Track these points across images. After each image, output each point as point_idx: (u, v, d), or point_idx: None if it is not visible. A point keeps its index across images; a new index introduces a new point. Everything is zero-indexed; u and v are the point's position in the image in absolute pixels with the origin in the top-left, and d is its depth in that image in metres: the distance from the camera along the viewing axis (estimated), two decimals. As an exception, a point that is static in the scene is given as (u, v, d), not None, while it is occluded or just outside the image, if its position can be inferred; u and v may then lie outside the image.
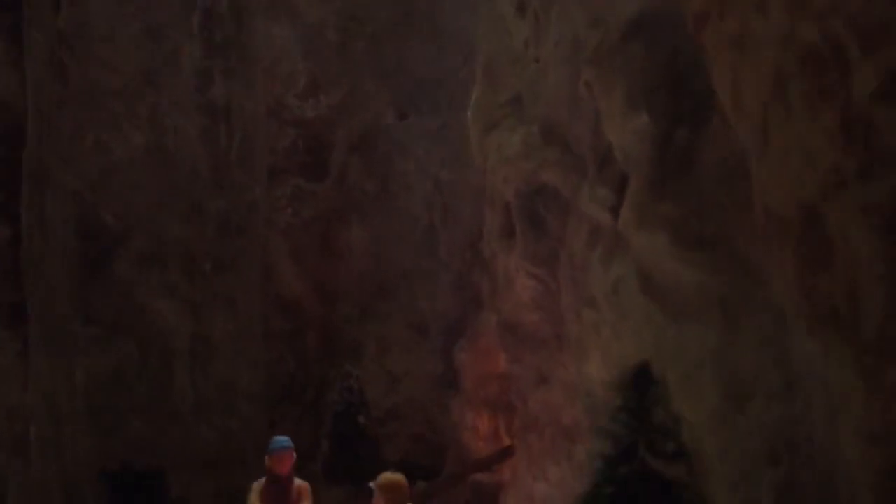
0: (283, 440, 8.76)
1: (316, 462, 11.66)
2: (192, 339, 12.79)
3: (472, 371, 11.83)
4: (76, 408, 11.53)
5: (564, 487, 9.01)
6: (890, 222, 4.54)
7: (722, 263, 6.62)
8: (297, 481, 8.68)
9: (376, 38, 13.60)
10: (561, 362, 9.60)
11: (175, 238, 12.77)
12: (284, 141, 13.65)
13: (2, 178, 10.10)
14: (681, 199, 6.94)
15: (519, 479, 10.35)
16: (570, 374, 9.33)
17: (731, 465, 6.02)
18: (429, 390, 13.23)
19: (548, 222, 9.62)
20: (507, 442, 11.59)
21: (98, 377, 12.04)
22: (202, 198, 12.84)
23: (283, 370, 13.67)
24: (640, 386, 5.22)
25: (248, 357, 13.15)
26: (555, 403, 9.63)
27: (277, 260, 13.73)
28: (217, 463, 12.56)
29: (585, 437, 8.53)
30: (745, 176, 6.26)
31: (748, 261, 6.41)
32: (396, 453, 11.83)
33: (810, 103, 4.89)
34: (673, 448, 5.16)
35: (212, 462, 12.56)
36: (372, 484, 7.59)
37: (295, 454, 8.74)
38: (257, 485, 8.61)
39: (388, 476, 7.71)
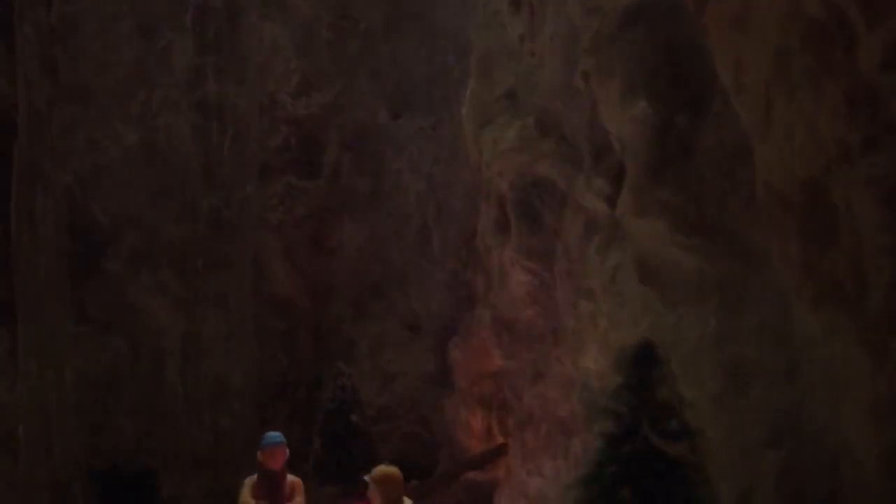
0: (275, 435, 8.70)
1: (308, 461, 11.55)
2: (183, 337, 12.68)
3: (465, 369, 11.79)
4: (66, 406, 11.43)
5: (560, 481, 8.97)
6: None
7: (721, 248, 6.62)
8: (290, 477, 8.63)
9: (369, 36, 13.58)
10: (556, 357, 9.58)
11: (167, 236, 12.68)
12: (277, 139, 13.59)
13: (-8, 176, 10.05)
14: (680, 185, 6.93)
15: (513, 476, 10.31)
16: (565, 369, 9.31)
17: (733, 448, 6.01)
18: (422, 389, 13.17)
19: (543, 216, 9.62)
20: (500, 440, 11.54)
21: (88, 375, 11.92)
22: (194, 195, 12.75)
23: (275, 369, 13.58)
24: (643, 364, 5.17)
25: (239, 355, 13.06)
26: (550, 398, 9.60)
27: (270, 258, 13.65)
28: (208, 462, 12.46)
29: (582, 430, 8.52)
30: (745, 161, 6.27)
31: (748, 245, 6.40)
32: (389, 452, 11.72)
33: (814, 79, 4.90)
34: (676, 426, 5.12)
35: (203, 461, 12.46)
36: (367, 477, 7.54)
37: (287, 450, 8.69)
38: (249, 480, 8.55)
39: (382, 469, 7.65)
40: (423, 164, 13.49)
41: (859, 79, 4.58)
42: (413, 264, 13.48)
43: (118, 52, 12.49)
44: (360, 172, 13.65)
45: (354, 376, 12.10)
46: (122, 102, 12.53)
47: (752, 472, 5.91)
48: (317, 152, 13.73)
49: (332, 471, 11.49)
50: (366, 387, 12.55)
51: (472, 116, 10.65)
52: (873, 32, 4.47)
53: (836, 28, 4.68)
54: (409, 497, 7.68)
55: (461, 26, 12.37)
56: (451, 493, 11.56)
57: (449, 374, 12.39)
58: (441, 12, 13.50)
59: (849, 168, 4.74)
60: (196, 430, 12.58)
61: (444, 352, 12.58)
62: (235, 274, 13.11)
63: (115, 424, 12.21)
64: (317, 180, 13.71)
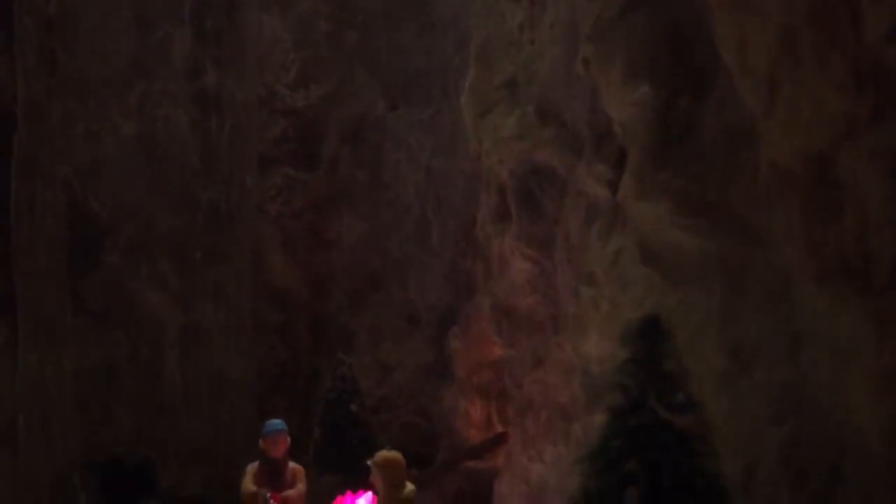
0: (276, 423, 8.74)
1: (307, 452, 11.57)
2: (182, 329, 12.69)
3: (464, 358, 11.83)
4: (65, 398, 11.44)
5: (561, 467, 9.01)
6: (903, 164, 4.60)
7: (724, 229, 6.66)
8: (292, 464, 8.66)
9: (368, 27, 13.63)
10: (556, 343, 9.62)
11: (165, 228, 12.68)
12: (275, 130, 13.63)
13: (-9, 168, 10.06)
14: (682, 167, 6.98)
15: (514, 463, 10.34)
16: (565, 355, 9.35)
17: (736, 425, 6.05)
18: (421, 380, 13.22)
19: (543, 203, 9.66)
20: (499, 429, 11.58)
21: (87, 367, 11.92)
22: (193, 187, 12.76)
23: (273, 360, 13.61)
24: (649, 338, 5.20)
25: (238, 347, 13.07)
26: (550, 384, 9.64)
27: (268, 250, 13.68)
28: (207, 453, 12.47)
29: (583, 415, 8.55)
30: (748, 141, 6.32)
31: (750, 225, 6.44)
32: (389, 442, 11.75)
33: (820, 53, 4.94)
34: (683, 399, 5.15)
35: (202, 452, 12.46)
36: (369, 462, 7.57)
37: (289, 437, 8.71)
38: (251, 467, 8.59)
39: (385, 454, 7.70)
40: (421, 155, 13.53)
41: (865, 51, 4.63)
42: (412, 255, 13.52)
43: (117, 44, 12.48)
44: (358, 164, 13.69)
45: (354, 366, 12.13)
46: (121, 95, 12.53)
47: (756, 448, 5.96)
48: (315, 144, 13.76)
49: (332, 460, 11.51)
50: (365, 378, 12.58)
51: (471, 105, 10.69)
52: (879, 3, 4.52)
53: (842, 2, 4.73)
54: (412, 482, 7.73)
55: (460, 17, 12.41)
56: (451, 482, 11.60)
57: (448, 365, 12.44)
58: (440, 2, 13.54)
59: (855, 141, 4.78)
60: (195, 421, 12.59)
61: (442, 343, 12.63)
62: (234, 266, 13.12)
63: (114, 416, 12.21)
64: (315, 172, 13.74)
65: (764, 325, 6.26)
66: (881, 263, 4.75)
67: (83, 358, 11.92)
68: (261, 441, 8.61)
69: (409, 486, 7.55)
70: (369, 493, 8.59)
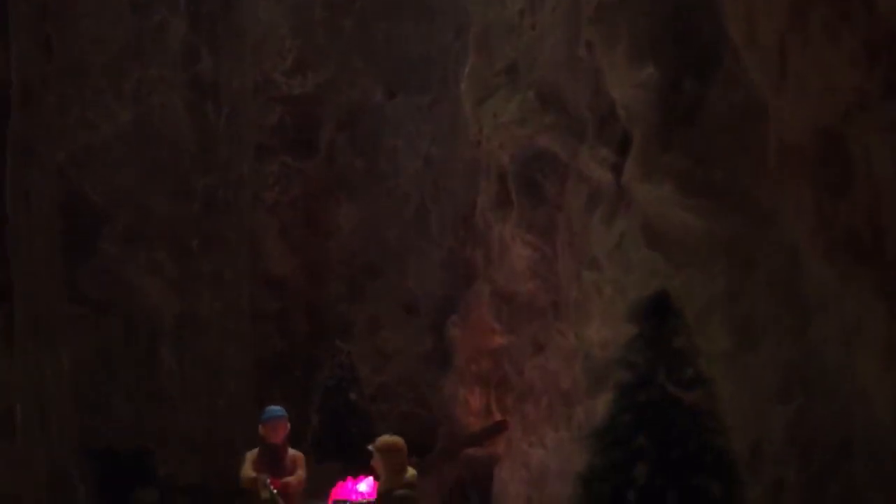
0: (276, 409, 8.72)
1: (305, 439, 11.54)
2: (178, 317, 12.64)
3: (464, 346, 11.81)
4: (62, 387, 11.37)
5: (562, 452, 9.01)
6: (915, 137, 4.58)
7: (729, 208, 6.65)
8: (291, 450, 8.64)
9: (365, 14, 13.56)
10: (558, 329, 9.60)
11: (161, 216, 12.62)
12: (272, 118, 13.57)
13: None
14: (687, 147, 6.96)
15: (514, 449, 10.33)
16: (567, 341, 9.34)
17: (743, 401, 6.04)
18: (420, 368, 13.20)
19: (545, 189, 9.64)
20: (499, 417, 11.55)
21: (84, 356, 11.83)
22: (189, 175, 12.70)
23: (270, 349, 13.57)
24: (658, 314, 5.18)
25: (235, 336, 13.02)
26: (551, 370, 9.63)
27: (265, 238, 13.64)
28: (205, 441, 12.43)
29: (584, 399, 8.54)
30: (754, 120, 6.30)
31: (756, 204, 6.43)
32: (388, 430, 11.74)
33: (831, 27, 4.93)
34: (692, 374, 5.13)
35: (199, 441, 12.43)
36: (371, 447, 7.56)
37: (288, 423, 8.68)
38: (251, 454, 8.57)
39: (386, 439, 7.70)
40: (420, 143, 13.49)
41: (879, 24, 4.61)
42: (410, 244, 13.49)
43: (112, 29, 12.41)
44: (356, 152, 13.64)
45: (353, 354, 12.10)
46: (116, 81, 12.46)
47: (763, 425, 5.95)
48: (312, 132, 13.71)
49: (330, 448, 11.48)
50: (363, 366, 12.55)
51: (471, 91, 10.66)
52: (893, -25, 4.50)
53: (853, -27, 4.72)
54: (413, 467, 7.71)
55: (459, 3, 12.34)
56: (451, 469, 11.58)
57: (446, 354, 12.41)
58: (439, -11, 13.49)
59: (867, 115, 4.77)
60: (192, 409, 12.55)
61: (441, 331, 12.60)
62: (231, 254, 13.06)
63: (111, 404, 12.16)
64: (313, 160, 13.70)
65: (770, 304, 6.25)
66: (891, 238, 4.74)
67: (79, 346, 11.84)
68: (260, 427, 8.59)
69: (411, 471, 7.55)
70: (370, 478, 8.58)
